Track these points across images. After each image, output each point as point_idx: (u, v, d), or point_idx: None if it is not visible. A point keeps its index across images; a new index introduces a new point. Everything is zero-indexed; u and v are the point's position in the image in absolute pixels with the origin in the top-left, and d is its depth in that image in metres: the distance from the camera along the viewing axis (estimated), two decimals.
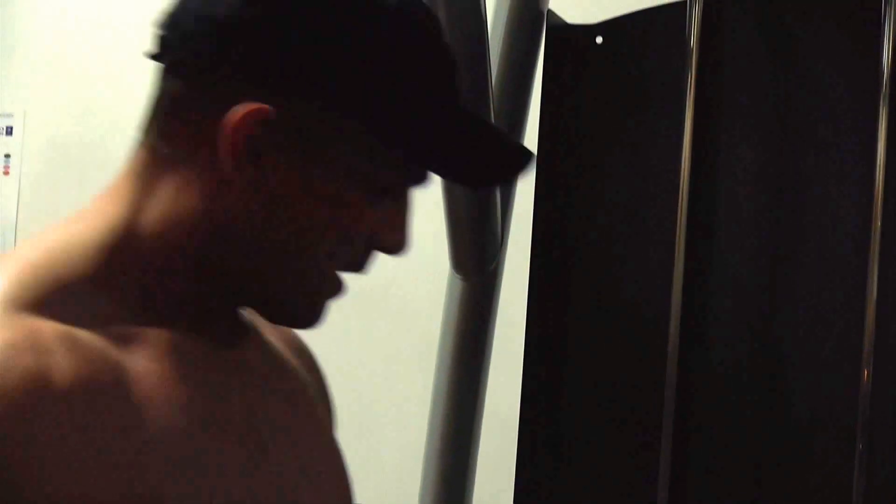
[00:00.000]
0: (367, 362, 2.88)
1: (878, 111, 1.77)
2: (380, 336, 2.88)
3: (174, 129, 1.00)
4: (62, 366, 0.89)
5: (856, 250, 1.79)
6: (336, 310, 1.20)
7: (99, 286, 0.98)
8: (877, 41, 1.77)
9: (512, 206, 2.08)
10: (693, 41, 1.86)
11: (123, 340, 0.96)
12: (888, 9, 1.77)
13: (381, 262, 1.20)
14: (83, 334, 0.92)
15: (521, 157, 1.08)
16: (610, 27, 1.99)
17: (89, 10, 3.17)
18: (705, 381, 1.92)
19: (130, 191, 1.02)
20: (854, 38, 1.86)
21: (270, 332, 1.21)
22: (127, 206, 1.01)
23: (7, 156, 3.11)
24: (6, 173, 3.11)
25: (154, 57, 1.02)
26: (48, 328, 0.90)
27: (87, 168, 3.10)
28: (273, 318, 1.09)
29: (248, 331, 1.14)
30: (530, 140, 2.06)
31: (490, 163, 1.11)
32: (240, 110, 0.95)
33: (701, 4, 1.86)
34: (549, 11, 2.02)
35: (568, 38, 2.04)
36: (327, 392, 1.29)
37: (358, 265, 1.07)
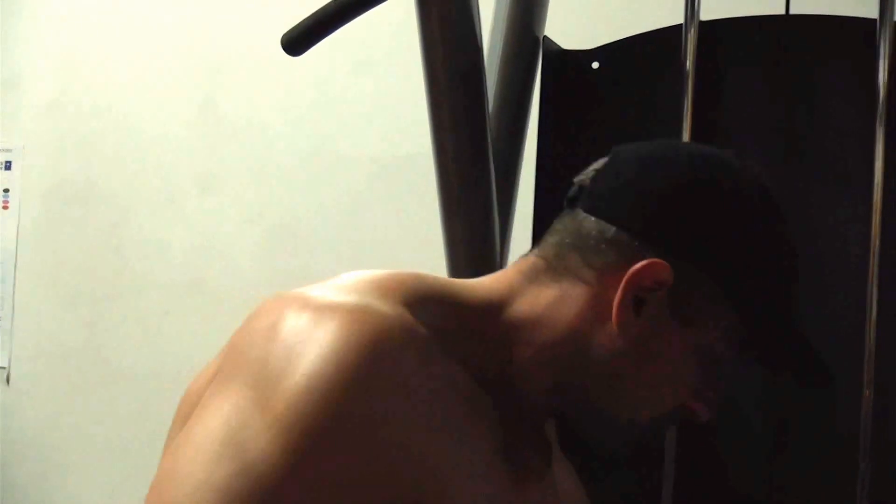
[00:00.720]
0: None
1: (876, 130, 1.82)
2: None
3: (574, 256, 1.21)
4: (420, 353, 1.09)
5: (856, 269, 1.85)
6: None
7: (455, 332, 1.17)
8: (873, 61, 1.82)
9: (510, 233, 2.13)
10: (689, 63, 1.89)
11: (460, 389, 1.16)
12: (883, 30, 1.82)
13: None
14: (435, 348, 1.12)
15: (827, 379, 1.31)
16: (606, 52, 2.03)
17: (89, 47, 3.22)
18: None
19: (515, 283, 1.22)
20: (850, 57, 1.92)
21: (567, 475, 1.40)
22: (507, 291, 1.22)
23: (6, 190, 3.16)
24: (5, 207, 3.17)
25: (573, 198, 1.25)
26: (419, 327, 1.11)
27: (86, 203, 3.13)
28: (579, 434, 1.27)
29: (551, 446, 1.33)
30: (528, 163, 2.12)
31: (806, 376, 1.34)
32: (646, 262, 1.16)
33: (696, 27, 1.89)
34: (545, 38, 2.06)
35: (564, 63, 2.07)
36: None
37: (666, 420, 1.27)
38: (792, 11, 1.96)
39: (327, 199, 2.99)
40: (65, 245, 3.13)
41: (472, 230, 1.98)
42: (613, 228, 1.19)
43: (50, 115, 3.18)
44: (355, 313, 1.06)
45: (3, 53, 3.28)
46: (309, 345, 1.02)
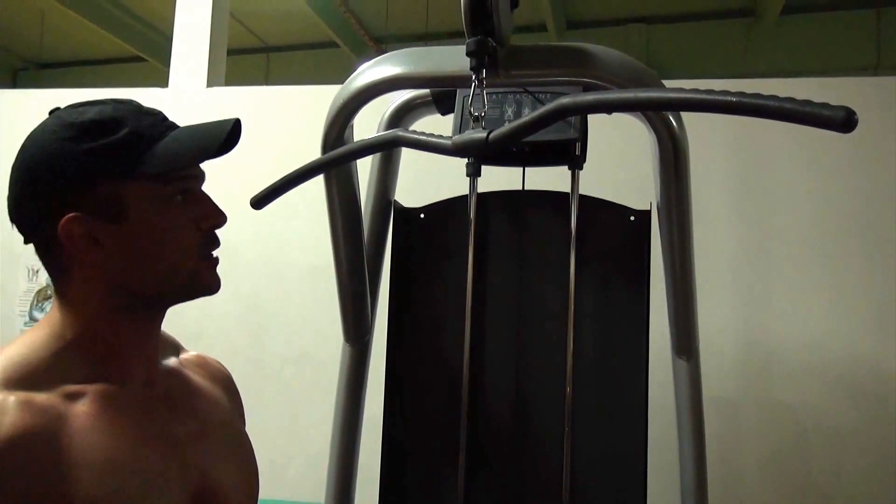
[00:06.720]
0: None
1: (570, 251, 1.99)
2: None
3: (50, 285, 1.22)
4: (15, 421, 0.93)
5: (561, 318, 1.97)
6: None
7: (51, 363, 1.02)
8: (569, 213, 1.98)
9: (376, 308, 2.25)
10: (472, 215, 2.05)
11: (70, 396, 1.00)
12: (573, 198, 1.98)
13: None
14: (39, 397, 0.97)
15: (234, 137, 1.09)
16: (428, 209, 2.19)
17: None
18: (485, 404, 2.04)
19: (52, 311, 1.08)
20: (556, 210, 2.03)
21: (196, 372, 1.25)
22: (54, 322, 1.06)
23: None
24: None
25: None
26: (11, 397, 0.95)
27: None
28: (190, 296, 1.11)
29: (169, 372, 1.19)
30: (385, 269, 2.18)
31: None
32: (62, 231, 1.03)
33: (475, 197, 2.05)
34: (395, 201, 2.25)
35: (405, 215, 2.19)
36: (239, 401, 1.34)
37: (211, 242, 1.11)
38: (527, 187, 2.13)
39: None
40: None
41: (356, 308, 2.07)
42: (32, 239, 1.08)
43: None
44: None
45: None
46: None
